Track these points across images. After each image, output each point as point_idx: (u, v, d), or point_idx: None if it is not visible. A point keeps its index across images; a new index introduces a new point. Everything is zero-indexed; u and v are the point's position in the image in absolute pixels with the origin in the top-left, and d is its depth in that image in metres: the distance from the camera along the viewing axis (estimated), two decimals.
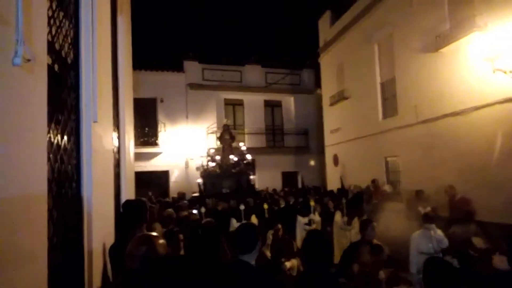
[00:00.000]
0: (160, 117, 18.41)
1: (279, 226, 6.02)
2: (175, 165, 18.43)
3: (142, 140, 17.27)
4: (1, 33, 1.77)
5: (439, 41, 9.55)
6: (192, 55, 19.59)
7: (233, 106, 20.75)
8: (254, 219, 8.22)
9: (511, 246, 3.29)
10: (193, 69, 19.45)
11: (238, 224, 6.05)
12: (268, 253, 5.31)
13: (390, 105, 12.57)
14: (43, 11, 2.39)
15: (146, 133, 17.82)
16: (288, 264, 5.24)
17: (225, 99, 20.30)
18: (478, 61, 8.47)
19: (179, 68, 19.32)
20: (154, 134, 18.13)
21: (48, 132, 2.57)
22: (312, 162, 20.19)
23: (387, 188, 10.72)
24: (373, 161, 13.09)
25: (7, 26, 1.80)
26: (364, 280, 3.94)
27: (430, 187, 9.04)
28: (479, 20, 8.43)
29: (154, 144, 17.97)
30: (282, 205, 10.35)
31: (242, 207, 7.79)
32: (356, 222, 8.02)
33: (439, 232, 5.54)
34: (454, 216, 7.51)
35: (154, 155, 17.97)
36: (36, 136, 2.21)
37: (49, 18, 2.71)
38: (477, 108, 8.55)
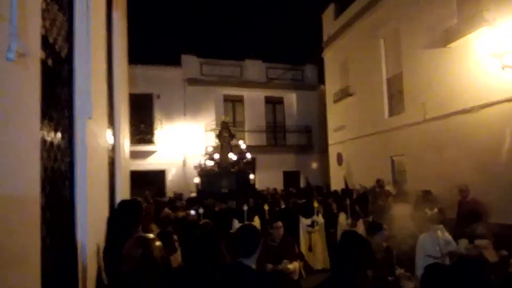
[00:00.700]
0: (157, 113, 18.18)
1: (280, 223, 5.89)
2: (172, 164, 18.21)
3: (137, 137, 16.96)
4: None
5: (447, 36, 9.52)
6: (190, 49, 19.32)
7: (233, 102, 20.55)
8: (257, 220, 8.11)
9: None
10: (191, 63, 19.19)
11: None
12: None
13: (396, 102, 12.53)
14: (37, 4, 2.33)
15: (142, 130, 17.58)
16: (290, 266, 5.11)
17: (225, 95, 20.02)
18: (487, 57, 8.46)
19: (176, 63, 19.05)
20: (150, 132, 17.92)
21: (41, 129, 2.50)
22: (314, 162, 20.09)
23: (390, 188, 10.57)
24: (378, 160, 13.02)
25: (0, 20, 1.72)
26: (380, 283, 3.88)
27: (438, 187, 8.94)
28: (488, 15, 8.43)
29: (150, 141, 17.78)
30: (283, 206, 10.18)
31: (245, 207, 7.70)
32: (361, 224, 7.93)
33: (447, 235, 5.40)
34: (462, 217, 7.36)
35: (150, 153, 17.77)
36: (29, 133, 2.15)
37: (43, 11, 2.65)
38: (487, 105, 8.52)
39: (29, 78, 2.13)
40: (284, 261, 5.12)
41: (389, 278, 4.04)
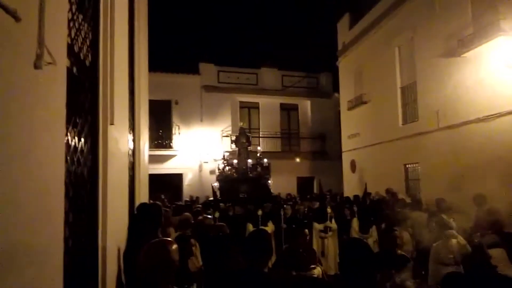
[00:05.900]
0: (175, 119, 18.45)
1: (307, 231, 5.92)
2: (189, 168, 18.43)
3: (156, 142, 17.31)
4: (23, 36, 1.73)
5: (462, 45, 9.37)
6: (208, 57, 19.63)
7: (249, 109, 20.71)
8: (271, 225, 8.13)
9: None
10: (208, 71, 19.46)
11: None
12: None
13: (410, 110, 12.39)
14: (63, 14, 2.36)
15: (160, 135, 17.88)
16: (316, 272, 5.16)
17: (241, 102, 20.25)
18: (502, 67, 8.30)
19: (194, 70, 19.34)
20: (169, 137, 18.19)
21: (66, 135, 2.54)
22: (328, 167, 19.88)
23: (404, 197, 10.41)
24: (392, 168, 12.88)
25: (29, 28, 1.77)
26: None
27: (452, 195, 8.78)
28: (504, 25, 8.23)
29: (168, 146, 18.04)
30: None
31: (260, 212, 7.74)
32: (374, 231, 7.90)
33: (460, 239, 5.32)
34: (479, 227, 7.23)
35: (168, 157, 18.02)
36: (55, 138, 2.18)
37: (69, 21, 2.71)
38: (501, 115, 8.35)
39: (55, 85, 2.16)
40: (312, 266, 5.20)
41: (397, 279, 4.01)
